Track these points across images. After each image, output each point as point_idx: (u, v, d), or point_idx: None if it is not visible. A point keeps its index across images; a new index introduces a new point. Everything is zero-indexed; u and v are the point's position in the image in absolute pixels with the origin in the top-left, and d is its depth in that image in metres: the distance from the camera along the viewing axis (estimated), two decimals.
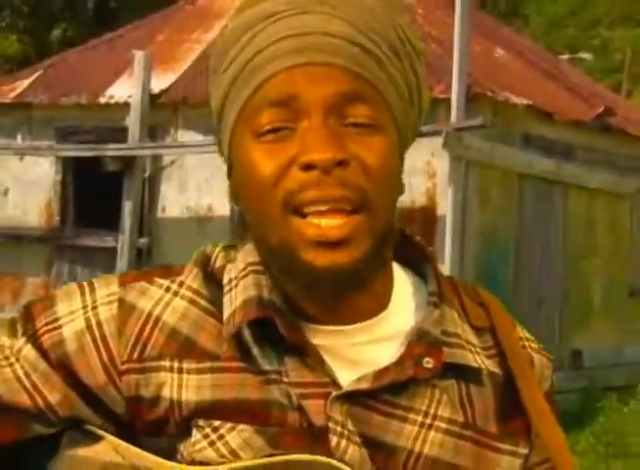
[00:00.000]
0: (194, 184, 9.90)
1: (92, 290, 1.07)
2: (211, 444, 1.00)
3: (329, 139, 0.97)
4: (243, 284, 1.04)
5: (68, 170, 10.63)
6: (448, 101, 8.15)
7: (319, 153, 0.96)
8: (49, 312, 1.06)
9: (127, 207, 9.48)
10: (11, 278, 10.85)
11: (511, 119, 9.34)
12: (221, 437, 1.00)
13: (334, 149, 0.96)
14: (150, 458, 1.00)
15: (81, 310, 1.05)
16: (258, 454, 0.99)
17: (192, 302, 1.05)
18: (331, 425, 0.99)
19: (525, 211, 9.48)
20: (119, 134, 9.56)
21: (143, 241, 9.87)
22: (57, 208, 10.74)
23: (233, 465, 0.99)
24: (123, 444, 1.01)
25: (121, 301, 1.05)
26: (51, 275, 10.66)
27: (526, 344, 1.12)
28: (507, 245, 9.21)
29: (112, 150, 9.57)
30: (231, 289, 1.05)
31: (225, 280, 1.06)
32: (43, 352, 1.04)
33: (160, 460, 1.00)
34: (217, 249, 1.10)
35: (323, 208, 0.97)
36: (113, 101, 10.29)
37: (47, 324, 1.05)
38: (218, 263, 1.08)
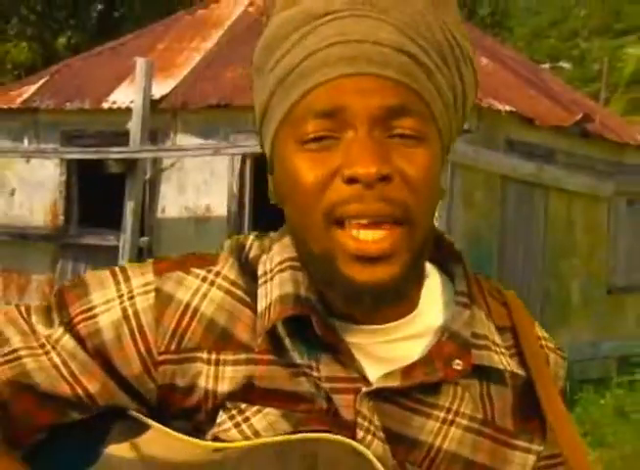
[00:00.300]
0: (192, 186, 9.88)
1: (127, 279, 1.02)
2: (237, 425, 0.98)
3: (374, 153, 0.92)
4: (279, 278, 1.00)
5: (72, 172, 10.59)
6: None
7: (363, 167, 0.92)
8: (84, 301, 1.01)
9: (129, 207, 9.45)
10: (17, 275, 10.81)
11: (494, 125, 9.33)
12: (247, 419, 0.98)
13: (378, 163, 0.92)
14: (187, 440, 0.98)
15: (117, 300, 1.01)
16: None
17: (228, 292, 1.01)
18: (359, 420, 0.97)
19: (507, 212, 9.48)
20: (122, 138, 9.54)
21: (144, 240, 9.84)
22: (61, 208, 10.71)
23: (252, 442, 0.97)
24: (163, 428, 0.99)
25: (158, 291, 1.00)
26: (55, 272, 10.63)
27: (544, 343, 1.10)
28: (490, 245, 9.21)
29: (114, 153, 9.54)
30: (266, 281, 1.01)
31: (260, 271, 1.02)
32: (80, 341, 1.00)
33: (188, 438, 0.98)
34: (251, 237, 1.06)
35: (364, 221, 0.93)
36: (115, 106, 10.27)
37: (82, 312, 1.01)
38: (253, 253, 1.04)
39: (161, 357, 0.99)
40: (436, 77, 0.97)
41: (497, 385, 1.03)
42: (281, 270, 1.01)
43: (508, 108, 9.27)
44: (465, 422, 1.00)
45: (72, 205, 10.70)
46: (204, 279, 1.01)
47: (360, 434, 0.97)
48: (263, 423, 0.97)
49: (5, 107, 10.93)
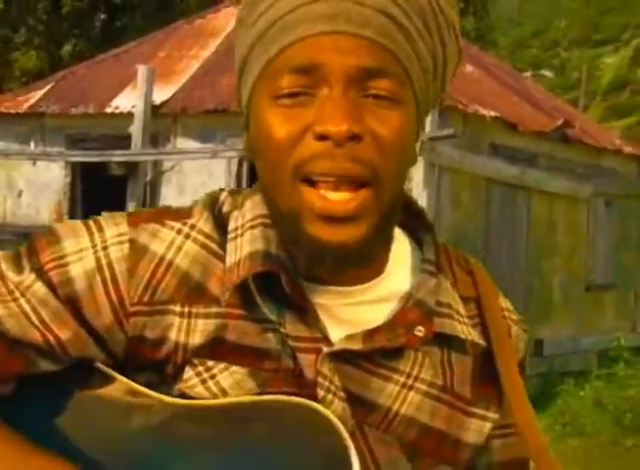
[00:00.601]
0: (191, 187, 9.87)
1: (100, 229, 0.96)
2: (203, 382, 0.94)
3: (346, 111, 0.89)
4: (250, 235, 0.96)
5: (76, 174, 10.58)
6: None
7: (335, 124, 0.88)
8: (56, 248, 0.95)
9: (130, 208, 9.43)
10: None
11: (479, 130, 9.34)
12: (213, 376, 0.94)
13: (350, 121, 0.88)
14: (152, 395, 0.94)
15: (90, 249, 0.95)
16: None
17: (203, 246, 0.96)
18: (320, 379, 0.93)
19: (492, 213, 9.48)
20: (124, 141, 9.52)
21: None
22: (66, 208, 10.69)
23: (220, 401, 0.93)
24: (128, 382, 0.94)
25: (133, 242, 0.95)
26: None
27: (507, 314, 1.07)
28: (476, 244, 9.20)
29: (117, 156, 9.52)
30: (236, 237, 0.96)
31: (231, 227, 0.97)
32: (52, 288, 0.94)
33: (154, 393, 0.94)
34: (225, 193, 1.01)
35: (332, 179, 0.89)
36: (118, 111, 10.25)
37: (54, 260, 0.95)
38: (225, 208, 0.99)
39: (134, 308, 0.94)
40: (416, 41, 0.93)
41: (458, 353, 1.00)
42: (252, 227, 0.96)
43: (492, 113, 9.28)
44: (424, 388, 0.97)
45: (76, 205, 10.68)
46: (178, 232, 0.97)
47: (321, 393, 0.93)
48: (230, 381, 0.93)
49: (13, 111, 10.91)
